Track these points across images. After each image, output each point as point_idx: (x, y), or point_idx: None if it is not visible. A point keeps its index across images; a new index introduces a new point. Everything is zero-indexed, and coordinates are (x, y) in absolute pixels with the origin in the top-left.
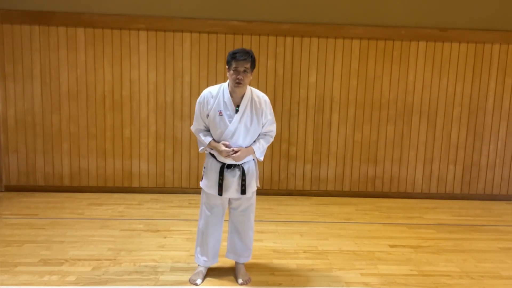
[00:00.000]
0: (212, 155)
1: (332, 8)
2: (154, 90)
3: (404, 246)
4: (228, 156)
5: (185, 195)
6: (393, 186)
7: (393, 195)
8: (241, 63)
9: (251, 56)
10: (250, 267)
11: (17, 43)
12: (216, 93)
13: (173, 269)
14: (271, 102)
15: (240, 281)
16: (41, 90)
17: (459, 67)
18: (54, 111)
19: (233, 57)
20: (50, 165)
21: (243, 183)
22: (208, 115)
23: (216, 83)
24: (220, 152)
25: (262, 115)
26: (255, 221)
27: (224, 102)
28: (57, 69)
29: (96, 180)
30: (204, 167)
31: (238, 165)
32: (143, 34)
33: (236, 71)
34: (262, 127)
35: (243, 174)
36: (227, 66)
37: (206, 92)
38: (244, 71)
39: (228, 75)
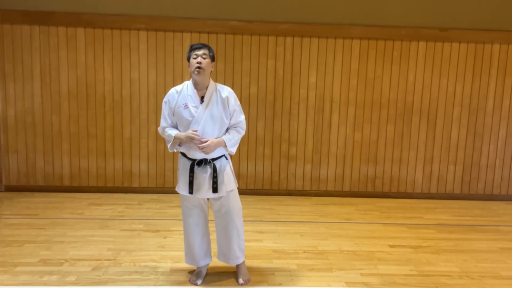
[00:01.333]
0: (183, 155)
1: (332, 8)
2: (154, 90)
3: (404, 246)
4: (193, 135)
5: None
6: (393, 186)
7: (393, 195)
8: (198, 50)
9: (209, 47)
10: (250, 267)
11: (17, 43)
12: (181, 89)
13: (173, 269)
14: (271, 102)
15: (240, 281)
16: (41, 90)
17: (459, 67)
18: (54, 111)
19: (191, 47)
20: (50, 165)
21: (215, 180)
22: (174, 112)
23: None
24: (185, 137)
25: (228, 105)
26: (255, 221)
27: (189, 95)
28: (57, 69)
29: (96, 180)
30: (178, 170)
31: (209, 161)
32: (143, 34)
33: (195, 58)
34: (230, 118)
35: (214, 171)
36: (188, 62)
37: (171, 90)
38: (203, 56)
39: (189, 68)
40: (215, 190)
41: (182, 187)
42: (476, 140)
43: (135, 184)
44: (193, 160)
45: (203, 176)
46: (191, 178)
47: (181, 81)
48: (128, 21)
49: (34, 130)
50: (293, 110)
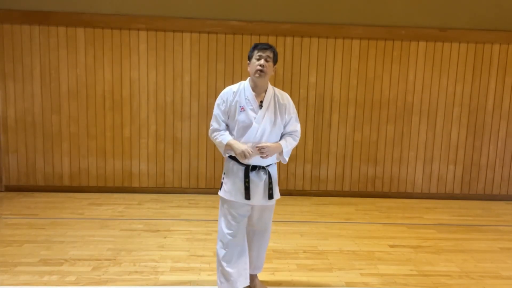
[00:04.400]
0: (233, 158)
1: (332, 8)
2: (154, 90)
3: (404, 246)
4: (247, 154)
5: (185, 195)
6: (393, 186)
7: (393, 195)
8: (263, 51)
9: (274, 49)
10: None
11: (17, 43)
12: (237, 89)
13: (173, 269)
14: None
15: None
16: (41, 90)
17: (459, 67)
18: (54, 111)
19: (255, 46)
20: (50, 165)
21: (270, 186)
22: (229, 113)
23: (216, 83)
24: (239, 151)
25: (285, 112)
26: None
27: (246, 98)
28: (57, 69)
29: (96, 180)
30: (224, 173)
31: (264, 168)
32: (143, 34)
33: (258, 59)
34: (285, 126)
35: (269, 177)
36: (248, 61)
37: (226, 90)
38: (267, 59)
39: (249, 68)
40: (271, 196)
41: (234, 193)
42: (476, 140)
43: (135, 184)
44: (247, 165)
45: (259, 183)
46: (247, 184)
47: (181, 81)
48: (128, 21)
49: (34, 130)
50: None
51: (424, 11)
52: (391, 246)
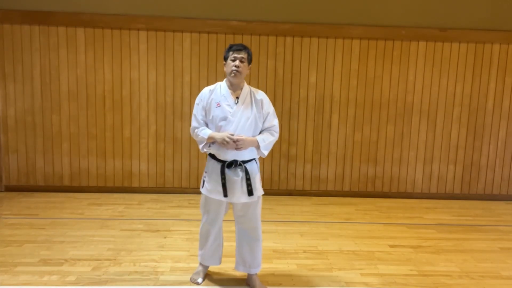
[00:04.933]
0: (213, 157)
1: (332, 8)
2: (154, 90)
3: (404, 246)
4: (228, 140)
5: (185, 195)
6: (393, 186)
7: (393, 195)
8: (238, 53)
9: (248, 49)
10: None
11: (17, 43)
12: (214, 88)
13: (173, 269)
14: (271, 102)
15: None
16: (41, 90)
17: (459, 67)
18: (54, 111)
19: (230, 48)
20: (50, 165)
21: (249, 183)
22: (206, 110)
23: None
24: (220, 139)
25: (262, 107)
26: None
27: (222, 94)
28: (57, 69)
29: (96, 180)
30: (205, 172)
31: (240, 164)
32: (143, 34)
33: (233, 60)
34: (264, 122)
35: (246, 173)
36: (224, 62)
37: (203, 90)
38: (241, 60)
39: (225, 69)
40: (250, 193)
41: (212, 191)
42: (476, 140)
43: (135, 184)
44: (223, 162)
45: (235, 179)
46: (223, 181)
47: (181, 81)
48: (128, 21)
49: (34, 130)
50: (293, 110)
51: (424, 11)
52: (391, 246)
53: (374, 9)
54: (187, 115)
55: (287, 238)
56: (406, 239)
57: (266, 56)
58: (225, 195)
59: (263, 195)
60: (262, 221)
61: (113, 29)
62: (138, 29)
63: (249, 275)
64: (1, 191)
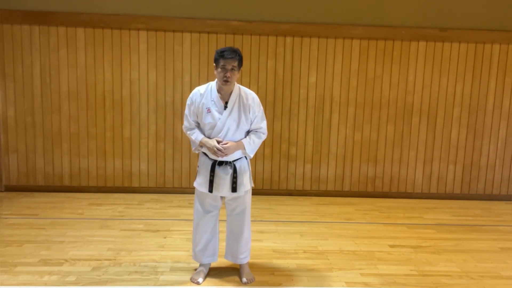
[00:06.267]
0: (205, 154)
1: (332, 8)
2: (154, 90)
3: (404, 246)
4: (217, 151)
5: (185, 195)
6: (393, 186)
7: (393, 195)
8: (228, 61)
9: (239, 55)
10: (250, 267)
11: (17, 43)
12: (204, 91)
13: (173, 269)
14: (271, 102)
15: (244, 280)
16: (41, 90)
17: (459, 67)
18: (54, 111)
19: (221, 55)
20: (50, 165)
21: (234, 180)
22: (197, 114)
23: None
24: (210, 147)
25: (249, 111)
26: (255, 221)
27: (212, 100)
28: (57, 69)
29: (96, 180)
30: (198, 166)
31: (230, 162)
32: (143, 34)
33: (224, 69)
34: (251, 124)
35: (234, 171)
36: (214, 64)
37: (194, 91)
38: (232, 69)
39: (215, 73)
40: (234, 189)
41: (202, 184)
42: (476, 140)
43: (135, 184)
44: (214, 160)
45: (224, 176)
46: (211, 177)
47: (181, 81)
48: (128, 21)
49: (34, 130)
50: (293, 110)
51: (424, 11)
52: (391, 246)
53: (374, 9)
54: None
55: (287, 238)
56: (406, 239)
57: (266, 56)
58: (210, 190)
59: (260, 190)
60: (262, 221)
61: (113, 29)
62: (138, 29)
63: (240, 265)
64: (1, 191)
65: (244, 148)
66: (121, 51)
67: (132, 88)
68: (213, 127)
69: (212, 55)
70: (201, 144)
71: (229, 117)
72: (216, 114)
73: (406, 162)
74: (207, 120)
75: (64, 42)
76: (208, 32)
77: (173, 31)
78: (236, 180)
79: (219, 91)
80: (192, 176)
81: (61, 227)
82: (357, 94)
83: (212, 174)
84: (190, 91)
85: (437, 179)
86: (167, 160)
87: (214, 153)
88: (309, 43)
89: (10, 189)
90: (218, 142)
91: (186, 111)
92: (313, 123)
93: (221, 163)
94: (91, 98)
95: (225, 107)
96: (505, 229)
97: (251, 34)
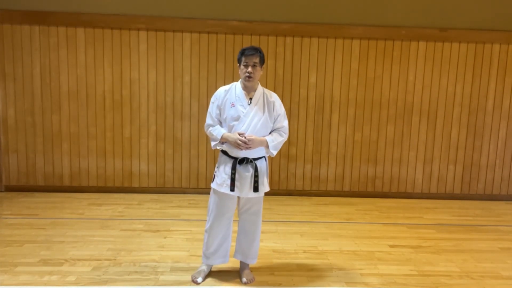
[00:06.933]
0: (225, 153)
1: (332, 8)
2: (154, 90)
3: (404, 246)
4: (241, 143)
5: (185, 195)
6: (393, 186)
7: (393, 195)
8: (250, 57)
9: (260, 52)
10: (250, 267)
11: (17, 43)
12: (229, 88)
13: (173, 269)
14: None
15: (244, 280)
16: (41, 90)
17: (459, 67)
18: (54, 111)
19: (243, 53)
20: (50, 165)
21: (256, 179)
22: (221, 109)
23: (216, 83)
24: (233, 140)
25: (273, 109)
26: None
27: (237, 95)
28: (57, 69)
29: (96, 180)
30: (216, 167)
31: (251, 161)
32: (143, 34)
33: (246, 65)
34: (274, 122)
35: (255, 170)
36: (238, 64)
37: (219, 89)
38: (254, 65)
39: (239, 71)
40: (256, 189)
41: (222, 185)
42: (476, 140)
43: (135, 184)
44: (235, 158)
45: (245, 175)
46: (233, 176)
47: (181, 81)
48: (128, 21)
49: (34, 130)
50: (293, 110)
51: (424, 11)
52: (391, 246)
53: (374, 9)
54: (187, 115)
55: (287, 238)
56: (406, 239)
57: (266, 56)
58: (232, 189)
59: (266, 192)
60: (262, 221)
61: (113, 29)
62: (138, 29)
63: (241, 263)
64: (1, 191)
65: (267, 145)
66: (121, 51)
67: (132, 88)
68: (236, 119)
69: (212, 55)
70: (223, 140)
71: (253, 112)
72: (240, 108)
73: (406, 162)
74: (230, 114)
75: (64, 42)
76: (208, 32)
77: (173, 31)
78: (258, 180)
79: (243, 88)
80: (192, 176)
81: (61, 227)
82: (357, 94)
83: (234, 172)
84: (190, 91)
85: (437, 179)
86: (167, 160)
87: (238, 146)
88: (309, 43)
89: (10, 189)
90: (240, 134)
91: (210, 109)
92: (313, 123)
93: (242, 161)
94: (91, 98)
95: (250, 103)
96: (505, 229)
97: (251, 34)
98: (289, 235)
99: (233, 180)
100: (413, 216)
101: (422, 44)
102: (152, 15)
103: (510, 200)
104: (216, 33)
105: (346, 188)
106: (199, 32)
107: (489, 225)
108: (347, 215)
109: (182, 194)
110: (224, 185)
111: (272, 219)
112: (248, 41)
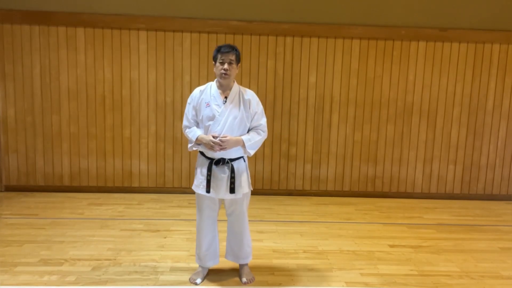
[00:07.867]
0: (202, 154)
1: (332, 8)
2: (154, 90)
3: (404, 246)
4: (213, 144)
5: (185, 195)
6: (393, 186)
7: (393, 195)
8: (226, 55)
9: (236, 50)
10: (250, 267)
11: (17, 43)
12: (204, 88)
13: (173, 269)
14: (271, 102)
15: (244, 280)
16: (41, 90)
17: (459, 67)
18: (54, 111)
19: (218, 50)
20: (50, 165)
21: (232, 181)
22: (196, 110)
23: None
24: (207, 142)
25: (249, 107)
26: (255, 221)
27: (212, 95)
28: (57, 69)
29: (96, 180)
30: (196, 168)
31: (227, 162)
32: (143, 34)
33: (222, 63)
34: (251, 120)
35: (232, 172)
36: (213, 62)
37: (194, 90)
38: (230, 62)
39: (214, 69)
40: (232, 191)
41: (199, 186)
42: (476, 140)
43: (135, 184)
44: (211, 159)
45: (221, 176)
46: (208, 177)
47: (181, 81)
48: (128, 21)
49: (34, 130)
50: (293, 110)
51: (424, 11)
52: (391, 246)
53: (374, 9)
54: None
55: (287, 238)
56: (406, 239)
57: (266, 56)
58: (208, 191)
59: (260, 190)
60: (262, 221)
61: (113, 29)
62: (138, 29)
63: (240, 265)
64: (1, 191)
65: (244, 145)
66: (121, 51)
67: (132, 88)
68: (212, 119)
69: (212, 55)
70: (198, 141)
71: (228, 110)
72: (215, 107)
73: (406, 162)
74: (206, 114)
75: (64, 42)
76: (208, 32)
77: (173, 31)
78: (234, 181)
79: (219, 87)
80: (192, 176)
81: (61, 227)
82: (357, 94)
83: (209, 173)
84: (190, 91)
85: (437, 179)
86: (167, 160)
87: (211, 148)
88: (309, 43)
89: (10, 189)
90: (214, 137)
91: (186, 110)
92: (313, 123)
93: (218, 162)
94: (91, 98)
95: (225, 102)
96: (505, 229)
97: (251, 34)
98: (289, 235)
99: (208, 182)
100: (413, 216)
101: (422, 44)
102: (152, 15)
103: (510, 200)
104: (216, 33)
105: (346, 188)
106: (199, 32)
107: (489, 225)
108: (347, 215)
109: (182, 194)
110: (201, 186)
111: (272, 219)
112: (248, 41)
